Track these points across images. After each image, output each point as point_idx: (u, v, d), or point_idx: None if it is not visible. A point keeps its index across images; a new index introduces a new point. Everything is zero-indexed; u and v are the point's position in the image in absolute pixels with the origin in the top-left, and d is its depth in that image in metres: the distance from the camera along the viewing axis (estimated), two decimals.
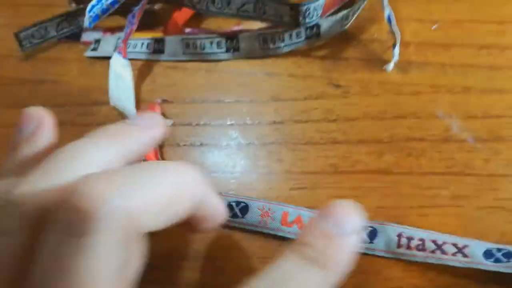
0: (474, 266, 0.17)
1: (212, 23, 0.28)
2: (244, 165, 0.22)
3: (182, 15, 0.28)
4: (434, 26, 0.26)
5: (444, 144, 0.21)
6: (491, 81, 0.23)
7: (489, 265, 0.17)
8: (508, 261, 0.17)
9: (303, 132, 0.23)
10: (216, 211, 0.16)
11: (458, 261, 0.17)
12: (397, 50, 0.24)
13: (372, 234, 0.19)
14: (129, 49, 0.27)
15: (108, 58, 0.25)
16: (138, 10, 0.25)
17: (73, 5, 0.29)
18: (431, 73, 0.24)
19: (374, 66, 0.24)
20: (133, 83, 0.25)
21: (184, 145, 0.23)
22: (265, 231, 0.20)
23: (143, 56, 0.27)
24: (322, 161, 0.22)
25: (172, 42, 0.26)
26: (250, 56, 0.26)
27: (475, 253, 0.17)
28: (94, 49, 0.28)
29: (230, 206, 0.20)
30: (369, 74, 0.24)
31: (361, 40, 0.26)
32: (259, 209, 0.20)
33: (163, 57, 0.26)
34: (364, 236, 0.19)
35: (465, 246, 0.18)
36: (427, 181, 0.20)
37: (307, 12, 0.24)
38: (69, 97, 0.26)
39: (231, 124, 0.23)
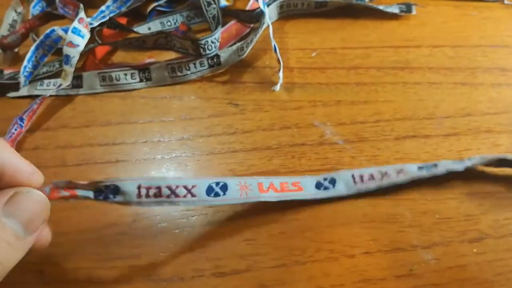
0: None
1: (128, 57, 0.32)
2: (155, 176, 0.25)
3: (99, 52, 0.31)
4: (313, 54, 0.31)
5: (320, 147, 0.26)
6: (358, 95, 0.29)
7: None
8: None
9: (207, 144, 0.26)
10: (18, 167, 0.18)
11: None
12: (281, 74, 0.29)
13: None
14: (50, 87, 0.29)
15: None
16: (28, 113, 0.27)
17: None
18: (310, 91, 0.29)
19: (265, 88, 0.29)
20: None
21: (101, 162, 0.26)
22: (248, 201, 0.22)
23: (62, 92, 0.29)
24: (223, 167, 0.25)
25: (89, 77, 0.29)
26: (161, 84, 0.30)
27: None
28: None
29: (210, 187, 0.21)
30: (261, 94, 0.29)
31: (255, 67, 0.31)
32: (236, 185, 0.22)
33: (81, 91, 0.29)
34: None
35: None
36: None
37: (206, 45, 0.29)
38: None
39: (144, 142, 0.27)
